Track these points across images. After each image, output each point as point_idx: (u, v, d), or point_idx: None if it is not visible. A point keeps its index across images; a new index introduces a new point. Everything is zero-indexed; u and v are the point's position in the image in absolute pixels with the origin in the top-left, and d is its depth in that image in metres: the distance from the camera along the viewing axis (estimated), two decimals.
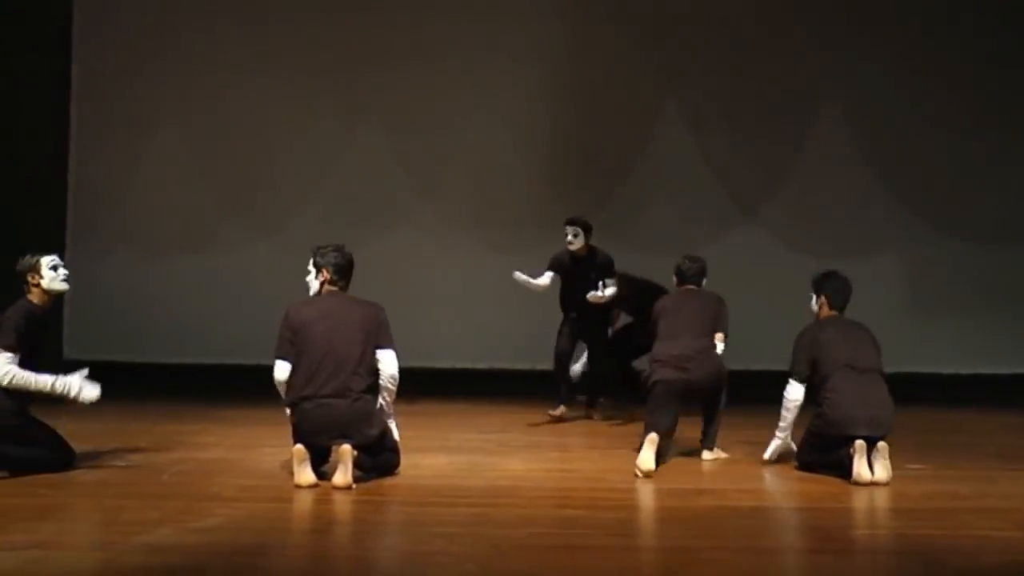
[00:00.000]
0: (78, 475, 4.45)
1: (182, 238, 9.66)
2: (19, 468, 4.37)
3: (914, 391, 8.97)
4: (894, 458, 4.63)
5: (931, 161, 9.56)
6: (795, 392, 4.91)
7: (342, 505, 3.86)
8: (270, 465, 4.80)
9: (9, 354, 4.36)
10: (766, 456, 5.09)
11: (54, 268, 4.69)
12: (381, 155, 9.65)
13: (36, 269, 4.64)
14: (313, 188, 9.66)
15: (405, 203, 9.59)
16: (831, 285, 5.21)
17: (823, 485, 4.43)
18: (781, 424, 5.01)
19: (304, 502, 3.92)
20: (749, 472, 4.81)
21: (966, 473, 4.83)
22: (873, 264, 9.48)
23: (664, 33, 9.59)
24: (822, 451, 4.70)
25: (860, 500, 4.10)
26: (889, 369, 9.23)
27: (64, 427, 6.08)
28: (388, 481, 4.41)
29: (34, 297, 4.64)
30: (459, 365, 9.01)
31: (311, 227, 9.58)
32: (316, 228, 9.56)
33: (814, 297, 5.26)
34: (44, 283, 4.64)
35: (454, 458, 5.14)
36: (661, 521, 3.66)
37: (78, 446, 5.24)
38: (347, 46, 9.66)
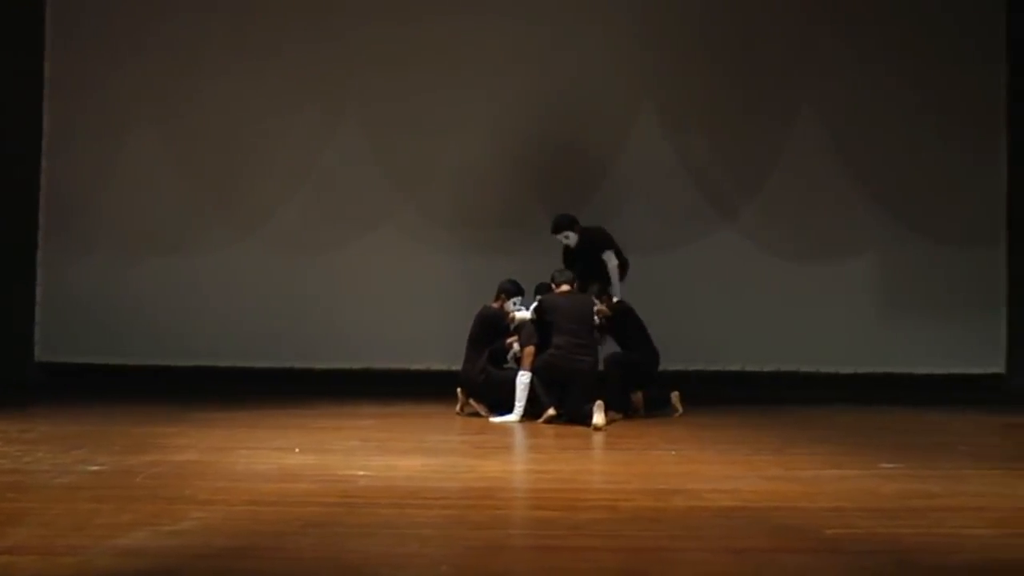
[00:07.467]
0: (50, 479, 4.40)
1: (158, 239, 9.58)
2: None
3: (889, 391, 9.10)
4: (869, 457, 4.77)
5: (907, 165, 9.64)
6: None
7: (316, 507, 3.84)
8: (245, 467, 4.77)
9: None
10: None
11: None
12: (361, 155, 9.62)
13: None
14: (292, 188, 9.62)
15: (385, 203, 9.57)
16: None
17: (797, 484, 4.46)
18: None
19: (278, 504, 3.89)
20: (722, 472, 4.83)
21: (940, 472, 4.87)
22: (849, 266, 9.57)
23: (642, 36, 9.62)
24: None
25: (833, 499, 4.12)
26: (865, 369, 9.49)
27: (37, 430, 6.07)
28: (363, 483, 4.39)
29: None
30: (436, 367, 9.00)
31: (290, 228, 9.56)
32: (295, 229, 9.56)
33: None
34: None
35: (430, 460, 5.13)
36: (637, 521, 3.66)
37: (50, 449, 5.20)
38: (327, 47, 9.63)
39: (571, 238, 7.64)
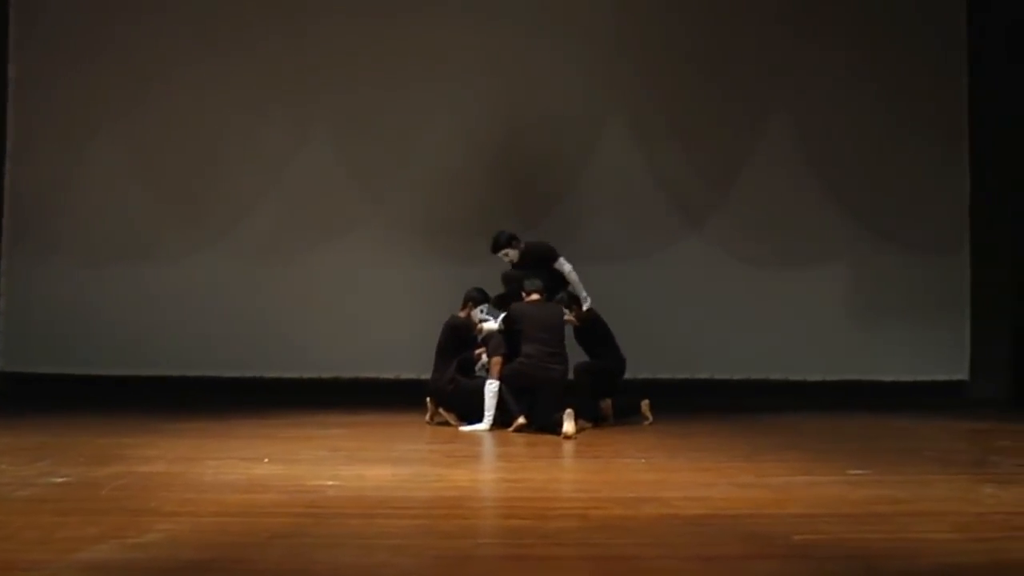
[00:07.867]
0: (11, 491, 4.32)
1: (123, 247, 9.48)
2: None
3: (856, 398, 9.19)
4: (838, 464, 4.91)
5: (873, 173, 9.76)
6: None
7: (284, 518, 3.80)
8: (213, 478, 4.72)
9: None
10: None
11: None
12: (329, 163, 9.58)
13: None
14: (260, 196, 9.56)
15: (353, 211, 9.54)
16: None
17: (766, 491, 4.48)
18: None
19: (246, 516, 3.85)
20: (692, 480, 4.85)
21: (906, 477, 4.91)
22: (818, 274, 9.66)
23: (613, 45, 9.66)
24: None
25: (802, 506, 4.15)
26: (833, 376, 9.57)
27: None
28: (332, 493, 4.36)
29: None
30: (405, 376, 8.97)
31: (257, 236, 9.50)
32: (263, 237, 9.49)
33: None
34: None
35: (399, 469, 5.11)
36: (607, 530, 3.66)
37: (13, 461, 5.12)
38: (295, 53, 9.59)
39: (511, 255, 7.59)
